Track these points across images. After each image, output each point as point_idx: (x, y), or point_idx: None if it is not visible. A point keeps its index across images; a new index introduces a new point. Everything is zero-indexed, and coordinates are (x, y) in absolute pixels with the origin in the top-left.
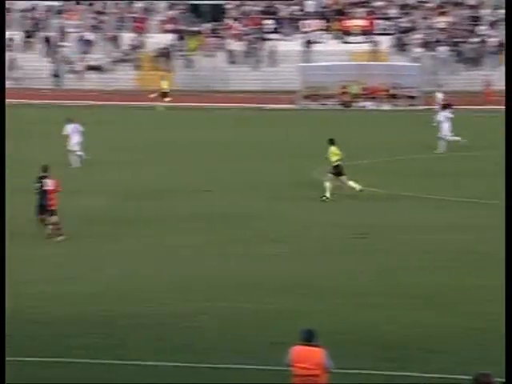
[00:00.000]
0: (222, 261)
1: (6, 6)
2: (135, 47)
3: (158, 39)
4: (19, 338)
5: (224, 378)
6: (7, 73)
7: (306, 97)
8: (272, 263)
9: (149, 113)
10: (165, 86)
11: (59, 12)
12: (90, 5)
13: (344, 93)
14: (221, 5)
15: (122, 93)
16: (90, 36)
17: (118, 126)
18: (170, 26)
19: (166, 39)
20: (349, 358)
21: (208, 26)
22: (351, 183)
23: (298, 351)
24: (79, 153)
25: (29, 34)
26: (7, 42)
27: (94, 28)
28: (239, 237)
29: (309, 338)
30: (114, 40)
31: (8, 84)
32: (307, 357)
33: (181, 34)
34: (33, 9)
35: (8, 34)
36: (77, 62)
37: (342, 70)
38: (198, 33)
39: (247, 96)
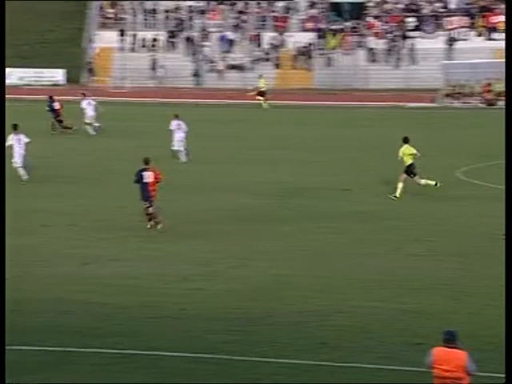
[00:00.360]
0: (360, 260)
1: (151, 6)
2: (275, 46)
3: (299, 38)
4: (158, 332)
5: (361, 378)
6: (150, 72)
7: (448, 95)
8: (412, 263)
9: (288, 111)
10: (262, 84)
11: (202, 12)
12: (232, 4)
13: (488, 91)
14: (362, 3)
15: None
16: (231, 35)
17: (256, 124)
18: (310, 25)
19: (306, 38)
20: (491, 362)
21: (348, 24)
22: (400, 186)
23: (440, 353)
24: (179, 148)
25: (172, 34)
26: (151, 43)
27: (236, 27)
28: (379, 236)
29: (451, 340)
30: (255, 39)
31: (150, 83)
32: (449, 359)
33: (321, 33)
34: (176, 9)
35: (152, 34)
36: (218, 61)
37: (486, 67)
38: (339, 31)
39: (387, 94)
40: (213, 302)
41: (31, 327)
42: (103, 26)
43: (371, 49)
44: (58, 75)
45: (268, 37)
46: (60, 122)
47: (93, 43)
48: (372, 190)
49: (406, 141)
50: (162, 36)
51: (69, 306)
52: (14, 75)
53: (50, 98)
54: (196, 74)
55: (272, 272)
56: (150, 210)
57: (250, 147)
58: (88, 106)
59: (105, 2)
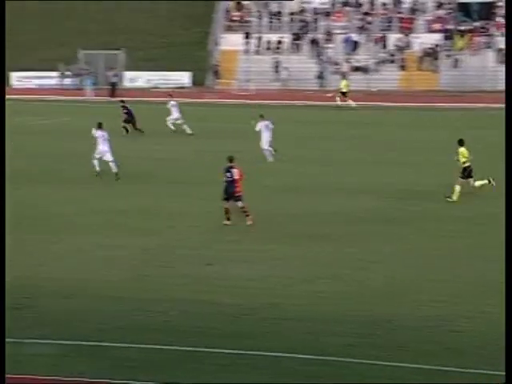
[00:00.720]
0: (483, 264)
1: (277, 9)
2: (401, 48)
3: (425, 39)
4: (280, 334)
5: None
6: (274, 75)
7: None
8: None
9: (411, 113)
10: (343, 85)
11: (327, 14)
12: (358, 6)
13: None
14: (491, 2)
15: (385, 93)
16: (355, 37)
17: (378, 126)
18: (437, 26)
19: (433, 39)
20: None
21: (477, 24)
22: (478, 183)
23: None
24: (268, 148)
25: (297, 36)
26: (276, 45)
27: (361, 29)
28: (501, 240)
29: None
30: (380, 40)
31: (274, 86)
32: None
33: (448, 33)
34: (301, 11)
35: (277, 36)
36: (342, 62)
37: None
38: (467, 31)
39: None
40: (334, 305)
41: (155, 327)
42: (229, 29)
43: (500, 49)
44: (183, 78)
45: (393, 38)
46: (133, 124)
47: (218, 46)
48: (492, 192)
49: (461, 144)
50: (287, 38)
51: (192, 307)
52: (141, 78)
53: (122, 101)
54: (320, 76)
55: (393, 275)
56: (240, 204)
57: (368, 149)
58: (173, 108)
59: (231, 5)
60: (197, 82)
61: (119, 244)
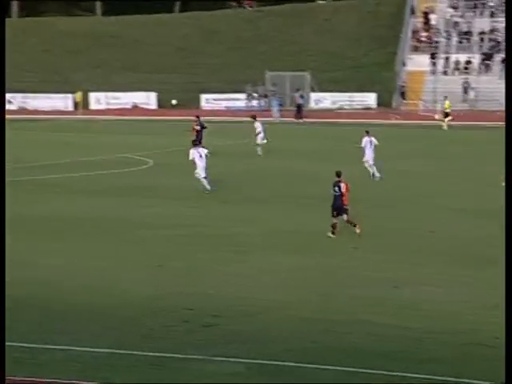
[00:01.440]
0: None
1: (466, 28)
2: None
3: None
4: (468, 360)
5: None
6: (462, 96)
7: None
8: None
9: None
10: (446, 106)
11: None
12: None
13: None
14: None
15: None
16: None
17: None
18: None
19: None
20: None
21: None
22: None
23: None
24: (369, 165)
25: (487, 56)
26: (464, 65)
27: None
28: None
29: None
30: None
31: (462, 107)
32: None
33: None
34: (492, 31)
35: (466, 56)
36: None
37: None
38: None
39: None
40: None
41: (340, 348)
42: (416, 50)
43: None
44: (369, 99)
45: None
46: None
47: (405, 67)
48: None
49: None
50: (476, 58)
51: (376, 329)
52: (326, 99)
53: (197, 117)
54: None
55: None
56: (345, 217)
57: None
58: (259, 128)
59: (419, 25)
60: (382, 103)
61: (301, 264)
